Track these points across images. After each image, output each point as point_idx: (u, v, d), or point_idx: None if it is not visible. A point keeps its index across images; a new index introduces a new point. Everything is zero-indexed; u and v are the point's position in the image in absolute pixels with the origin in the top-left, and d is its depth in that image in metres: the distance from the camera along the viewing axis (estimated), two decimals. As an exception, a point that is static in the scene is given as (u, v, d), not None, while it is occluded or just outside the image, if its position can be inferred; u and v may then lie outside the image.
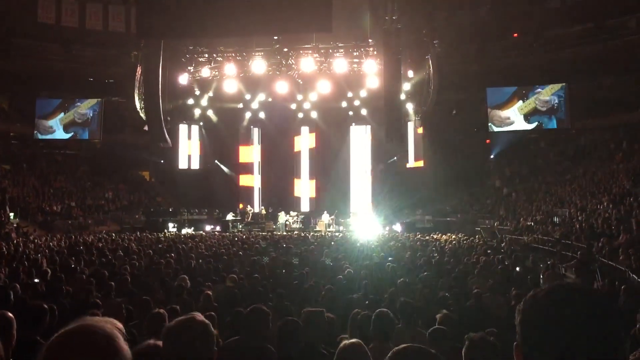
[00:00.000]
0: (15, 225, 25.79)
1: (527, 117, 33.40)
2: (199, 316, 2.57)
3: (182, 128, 35.50)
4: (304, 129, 37.06)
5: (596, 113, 31.35)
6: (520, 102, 33.53)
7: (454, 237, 22.85)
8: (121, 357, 1.43)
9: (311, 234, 26.92)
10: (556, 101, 32.74)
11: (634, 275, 11.39)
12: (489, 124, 33.94)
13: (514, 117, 33.62)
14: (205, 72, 29.55)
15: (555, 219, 22.86)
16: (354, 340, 3.10)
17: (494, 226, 26.54)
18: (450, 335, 4.54)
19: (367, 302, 7.10)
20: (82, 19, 35.06)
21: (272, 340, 4.28)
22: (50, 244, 19.20)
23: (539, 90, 33.16)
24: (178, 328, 2.47)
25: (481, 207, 31.20)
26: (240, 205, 35.01)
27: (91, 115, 36.17)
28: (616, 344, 1.29)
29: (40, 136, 36.08)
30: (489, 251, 15.98)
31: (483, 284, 9.15)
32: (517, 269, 11.84)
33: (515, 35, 34.20)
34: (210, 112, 34.69)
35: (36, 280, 9.31)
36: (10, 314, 3.76)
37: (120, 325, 1.50)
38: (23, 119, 36.21)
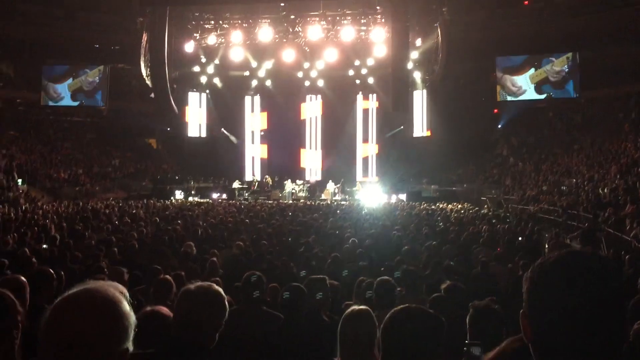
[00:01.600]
0: (22, 191, 25.93)
1: (539, 87, 32.78)
2: (215, 285, 2.70)
3: (191, 96, 35.31)
4: (311, 98, 36.81)
5: (605, 82, 30.94)
6: (532, 70, 32.89)
7: (460, 206, 22.84)
8: (124, 321, 1.43)
9: (317, 202, 26.95)
10: (567, 71, 32.13)
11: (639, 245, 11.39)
12: (500, 91, 33.31)
13: (525, 86, 33.01)
14: (212, 39, 29.27)
15: (563, 188, 22.77)
16: (361, 306, 3.10)
17: (500, 196, 26.49)
18: (451, 302, 4.53)
19: (382, 268, 7.09)
20: (87, -15, 34.72)
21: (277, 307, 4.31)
22: (58, 209, 19.32)
23: (553, 60, 32.52)
24: (196, 293, 2.61)
25: (487, 177, 31.10)
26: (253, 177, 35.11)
27: (98, 81, 35.92)
28: (623, 311, 1.28)
29: (50, 103, 35.94)
30: (494, 220, 16.00)
31: (488, 253, 9.16)
32: (519, 238, 11.84)
33: (526, 2, 33.63)
34: (216, 80, 34.47)
35: (44, 246, 9.39)
36: (23, 278, 3.78)
37: (124, 289, 1.50)
38: (29, 85, 36.10)
